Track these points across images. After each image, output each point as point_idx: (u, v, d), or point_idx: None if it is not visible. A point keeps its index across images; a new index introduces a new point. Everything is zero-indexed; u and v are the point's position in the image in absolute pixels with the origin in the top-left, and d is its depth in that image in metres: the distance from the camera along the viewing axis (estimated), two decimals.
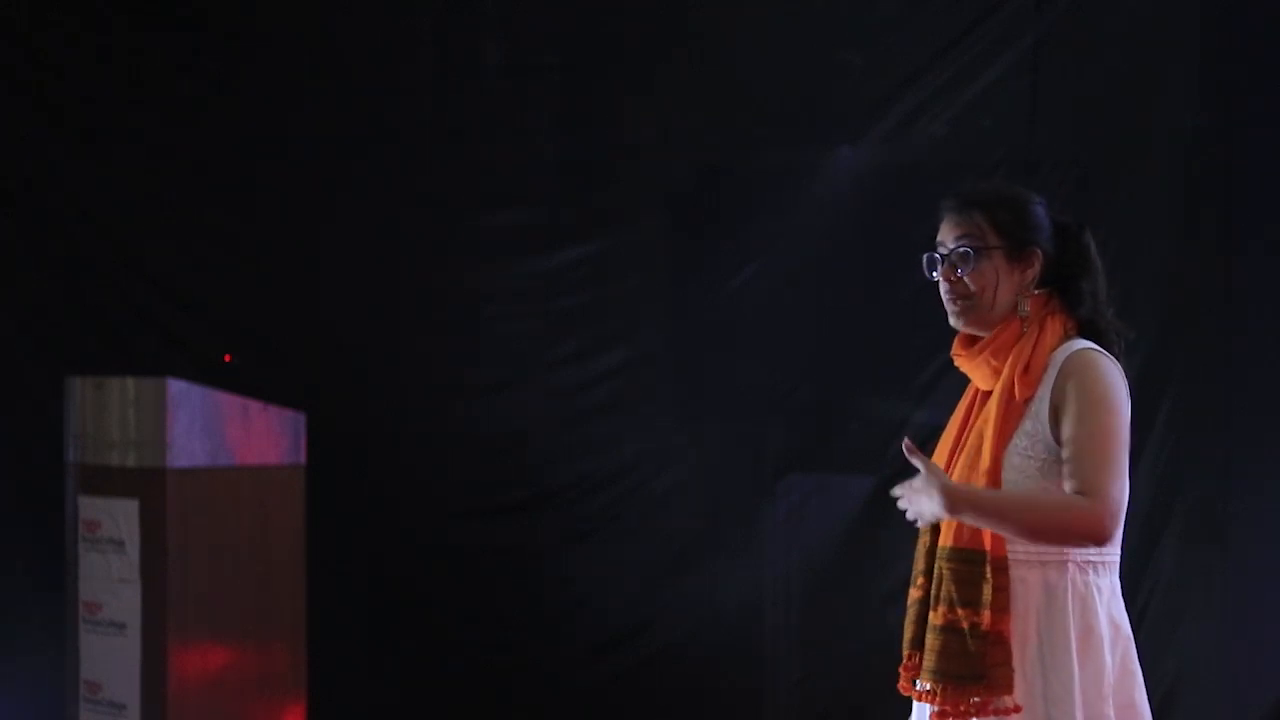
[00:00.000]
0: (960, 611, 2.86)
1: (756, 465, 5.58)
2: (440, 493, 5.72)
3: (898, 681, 3.04)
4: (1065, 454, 2.83)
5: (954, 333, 3.11)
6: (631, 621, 5.64)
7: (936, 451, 3.07)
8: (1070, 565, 2.85)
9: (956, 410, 3.10)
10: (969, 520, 2.84)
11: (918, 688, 2.95)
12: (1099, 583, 2.88)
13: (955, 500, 2.79)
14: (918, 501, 2.84)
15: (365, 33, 5.82)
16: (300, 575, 5.14)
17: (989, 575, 2.84)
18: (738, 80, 5.58)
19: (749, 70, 5.57)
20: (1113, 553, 2.92)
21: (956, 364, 3.07)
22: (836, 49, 5.49)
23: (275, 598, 5.06)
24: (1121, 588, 2.98)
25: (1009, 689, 2.82)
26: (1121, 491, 2.84)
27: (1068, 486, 2.83)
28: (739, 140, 5.59)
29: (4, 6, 5.89)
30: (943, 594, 2.90)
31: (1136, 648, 2.96)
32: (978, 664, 2.82)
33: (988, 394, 3.01)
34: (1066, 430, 2.84)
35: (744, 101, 5.58)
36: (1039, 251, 2.99)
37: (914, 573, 3.02)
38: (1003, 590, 2.84)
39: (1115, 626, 2.89)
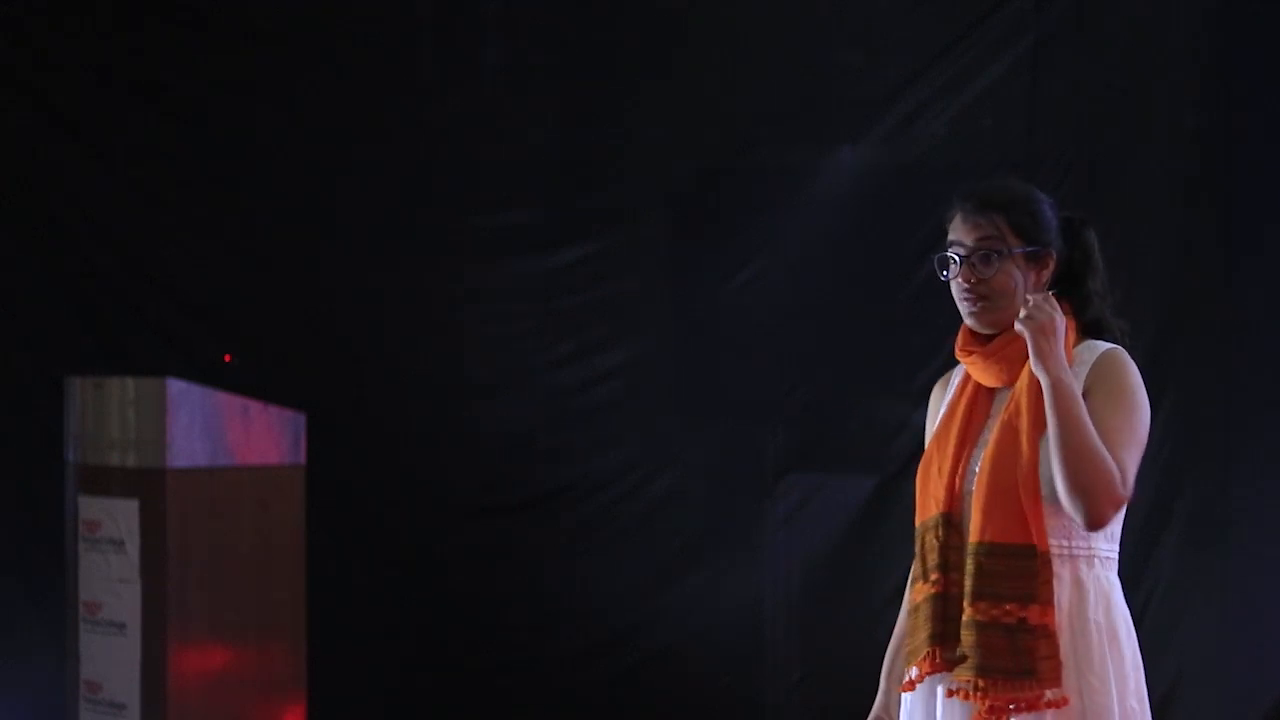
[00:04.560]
0: (1007, 606, 2.85)
1: (756, 465, 5.58)
2: (440, 493, 5.72)
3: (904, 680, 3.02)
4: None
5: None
6: (631, 621, 5.64)
7: (934, 448, 3.04)
8: (1096, 560, 2.89)
9: (952, 406, 3.07)
10: (1045, 381, 2.83)
11: (952, 685, 2.90)
12: (1113, 579, 2.93)
13: (1055, 363, 2.83)
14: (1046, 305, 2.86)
15: (365, 33, 5.82)
16: (300, 575, 5.14)
17: (1039, 569, 2.85)
18: (738, 80, 5.58)
19: (749, 70, 5.57)
20: (1116, 549, 2.96)
21: (963, 360, 3.05)
22: (836, 49, 5.50)
23: (275, 598, 5.05)
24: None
25: (1057, 681, 2.83)
26: (1131, 482, 2.85)
27: None
28: (739, 140, 5.59)
29: (4, 6, 5.89)
30: (984, 590, 2.87)
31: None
32: (1026, 658, 2.82)
33: (989, 390, 3.02)
34: (1097, 415, 2.83)
35: (744, 101, 5.58)
36: (1053, 253, 2.99)
37: (924, 569, 2.98)
38: (1048, 583, 2.85)
39: (1128, 622, 2.93)
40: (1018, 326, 2.89)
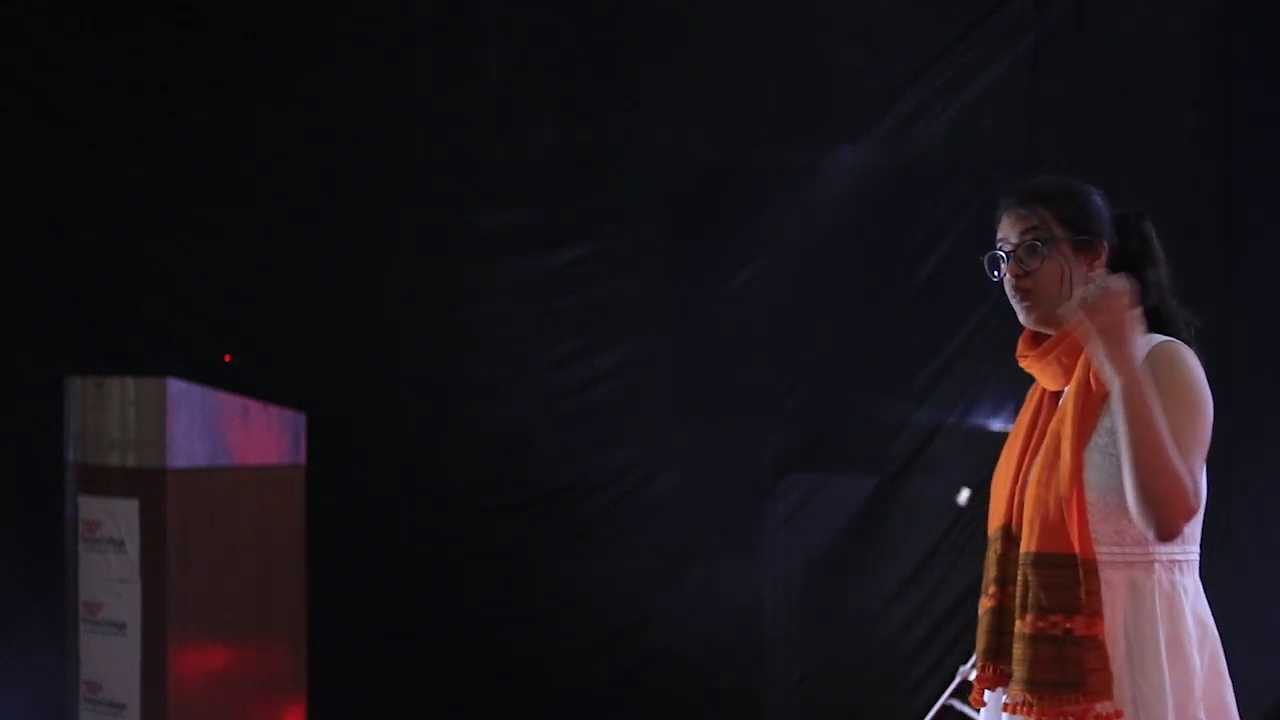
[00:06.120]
0: (1052, 618, 2.77)
1: (756, 465, 5.58)
2: (440, 493, 5.72)
3: (968, 694, 2.98)
4: None
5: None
6: (631, 621, 5.65)
7: (1003, 458, 2.98)
8: (1156, 565, 2.79)
9: (1021, 414, 3.01)
10: (1116, 385, 2.70)
11: (1008, 700, 2.84)
12: (1184, 582, 2.81)
13: (1125, 365, 2.69)
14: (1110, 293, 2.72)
15: (365, 32, 5.83)
16: (300, 575, 5.14)
17: (1082, 579, 2.76)
18: (738, 80, 5.58)
19: (749, 70, 5.57)
20: (1194, 550, 2.86)
21: (1022, 365, 2.97)
22: (836, 49, 5.50)
23: (275, 598, 5.06)
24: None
25: (1108, 694, 2.74)
26: (1203, 488, 2.77)
27: None
28: (739, 140, 5.59)
29: (4, 6, 5.89)
30: (1030, 601, 2.80)
31: None
32: (1073, 670, 2.74)
33: (1055, 395, 2.93)
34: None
35: (744, 101, 5.58)
36: (1104, 243, 2.92)
37: (985, 582, 2.93)
38: (1095, 593, 2.76)
39: (1202, 626, 2.83)
40: (1067, 310, 2.76)
